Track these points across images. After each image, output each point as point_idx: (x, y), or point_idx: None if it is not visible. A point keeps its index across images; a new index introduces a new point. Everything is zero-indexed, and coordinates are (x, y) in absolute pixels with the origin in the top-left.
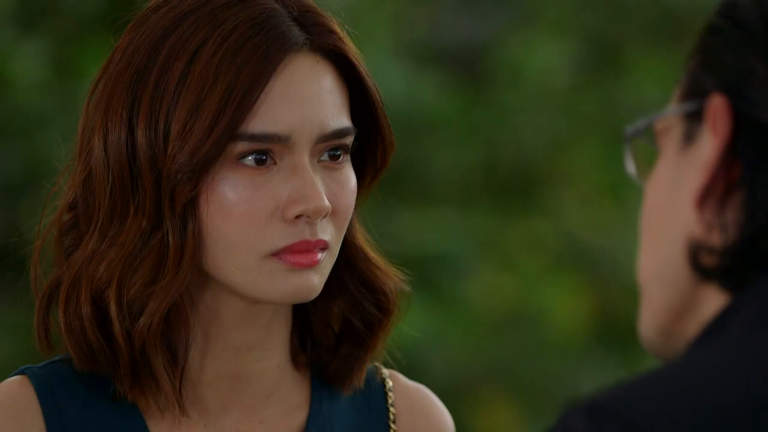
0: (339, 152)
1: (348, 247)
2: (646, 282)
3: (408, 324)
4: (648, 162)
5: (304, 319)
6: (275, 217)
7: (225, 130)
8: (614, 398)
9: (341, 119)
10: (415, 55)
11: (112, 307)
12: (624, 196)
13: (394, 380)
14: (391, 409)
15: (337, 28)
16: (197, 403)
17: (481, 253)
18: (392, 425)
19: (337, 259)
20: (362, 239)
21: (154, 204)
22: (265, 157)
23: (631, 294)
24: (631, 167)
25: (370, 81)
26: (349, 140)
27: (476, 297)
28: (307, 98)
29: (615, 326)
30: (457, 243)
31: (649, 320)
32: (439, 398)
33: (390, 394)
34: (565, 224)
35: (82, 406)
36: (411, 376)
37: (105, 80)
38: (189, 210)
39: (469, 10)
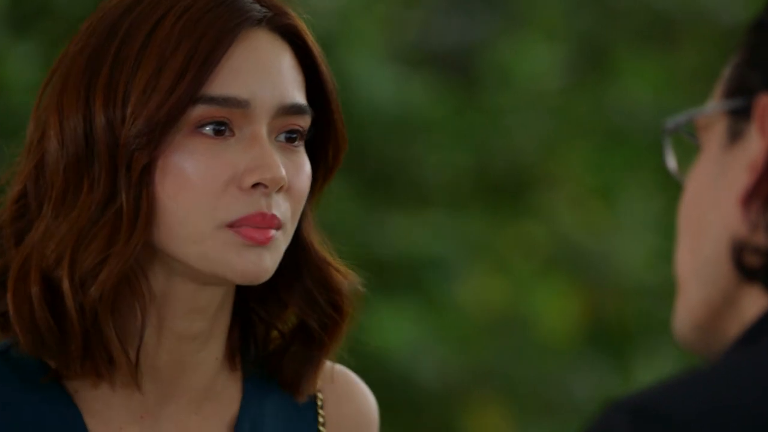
0: (295, 135)
1: (305, 247)
2: (684, 277)
3: (398, 328)
4: (686, 157)
5: (246, 316)
6: (232, 186)
7: (185, 92)
8: (658, 399)
9: (300, 96)
10: (406, 58)
11: (65, 282)
12: (615, 199)
13: None
14: (318, 394)
15: (293, 13)
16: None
17: (472, 255)
18: (320, 411)
19: (295, 258)
20: (317, 240)
21: (110, 175)
22: (223, 128)
23: (623, 297)
24: (671, 161)
25: (326, 68)
26: (305, 121)
27: (467, 300)
28: (268, 67)
29: (607, 329)
30: (448, 246)
31: (684, 316)
32: (431, 401)
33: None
34: (556, 227)
35: (14, 395)
36: (402, 380)
37: (60, 68)
38: (144, 179)
39: (460, 13)
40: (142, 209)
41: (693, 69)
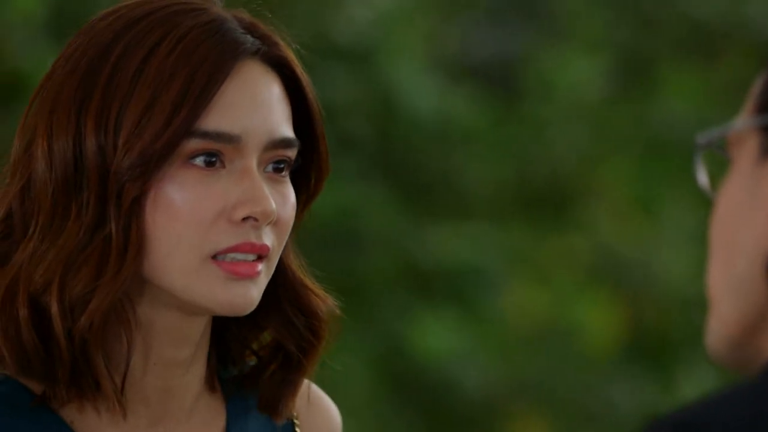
0: (282, 165)
1: (284, 271)
2: (717, 294)
3: (440, 338)
4: (716, 173)
5: (221, 337)
6: (222, 218)
7: (180, 127)
8: (701, 415)
9: (289, 129)
10: (447, 69)
11: (54, 308)
12: (656, 210)
13: None
14: (294, 413)
15: (283, 43)
16: (131, 413)
17: (514, 267)
18: (296, 420)
19: (273, 282)
20: (296, 263)
21: (99, 203)
22: (214, 159)
23: (664, 308)
24: (702, 177)
25: (313, 97)
26: (293, 153)
27: (509, 311)
28: (259, 102)
29: (648, 340)
30: (490, 256)
31: (718, 332)
32: (473, 412)
33: None
34: (597, 238)
35: (2, 420)
36: (445, 390)
37: (47, 88)
38: (134, 208)
39: (502, 25)
40: (132, 240)
41: (734, 81)
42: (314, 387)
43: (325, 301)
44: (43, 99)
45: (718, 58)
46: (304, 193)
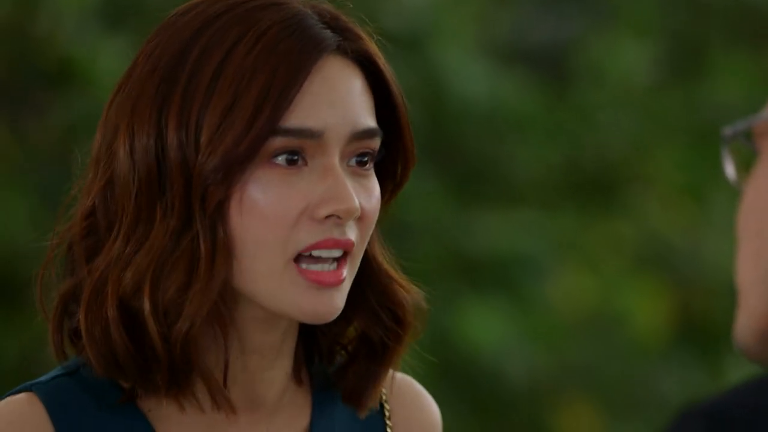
0: (366, 158)
1: (369, 262)
2: (745, 286)
3: (487, 326)
4: (745, 164)
5: (310, 332)
6: (304, 216)
7: (264, 127)
8: (735, 405)
9: (371, 120)
10: (498, 55)
11: (147, 311)
12: (706, 198)
13: None
14: (386, 405)
15: (365, 35)
16: (213, 408)
17: (562, 253)
18: (388, 422)
19: (358, 273)
20: (382, 254)
21: (184, 206)
22: (296, 157)
23: (713, 295)
24: (729, 169)
25: (397, 89)
26: (376, 143)
27: (557, 298)
28: (340, 98)
29: (696, 328)
30: (538, 244)
31: (746, 324)
32: (520, 399)
33: (383, 390)
34: (646, 225)
35: (91, 418)
36: (492, 377)
37: (129, 86)
38: (219, 211)
39: (553, 10)
40: (219, 242)
41: None
42: (414, 384)
43: (410, 292)
44: (124, 98)
45: None
46: (390, 183)
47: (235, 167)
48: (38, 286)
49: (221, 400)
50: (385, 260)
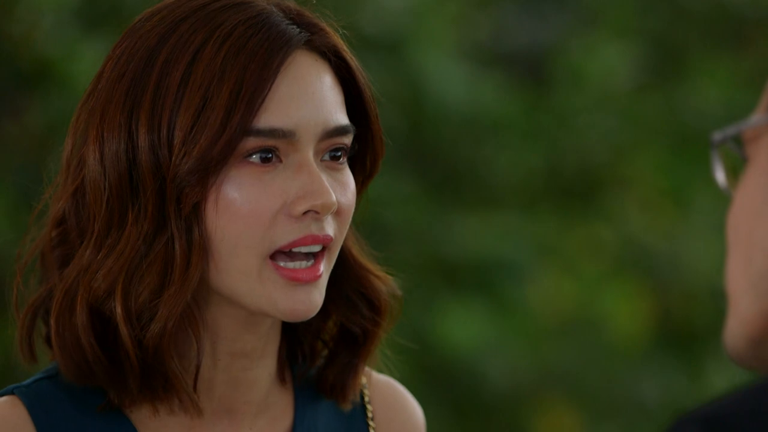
0: (339, 153)
1: (344, 255)
2: (736, 292)
3: (468, 329)
4: (732, 169)
5: (292, 332)
6: (281, 214)
7: (238, 128)
8: (730, 411)
9: (343, 116)
10: (477, 58)
11: (120, 315)
12: (686, 201)
13: (367, 377)
14: (368, 406)
15: (330, 29)
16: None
17: (542, 258)
18: (371, 423)
19: (335, 267)
20: (356, 247)
21: (157, 209)
22: (270, 155)
23: (692, 299)
24: (719, 174)
25: (364, 80)
26: (349, 139)
27: (537, 301)
28: (311, 95)
29: (676, 331)
30: (518, 247)
31: (737, 329)
32: (500, 404)
33: (365, 391)
34: (626, 229)
35: (73, 421)
36: (472, 380)
37: (97, 92)
38: (194, 212)
39: (532, 14)
40: (195, 244)
41: (766, 69)
42: (397, 386)
43: (385, 282)
44: (92, 104)
45: (750, 46)
46: (360, 174)
47: (211, 169)
48: (14, 294)
49: (187, 403)
50: (359, 252)
